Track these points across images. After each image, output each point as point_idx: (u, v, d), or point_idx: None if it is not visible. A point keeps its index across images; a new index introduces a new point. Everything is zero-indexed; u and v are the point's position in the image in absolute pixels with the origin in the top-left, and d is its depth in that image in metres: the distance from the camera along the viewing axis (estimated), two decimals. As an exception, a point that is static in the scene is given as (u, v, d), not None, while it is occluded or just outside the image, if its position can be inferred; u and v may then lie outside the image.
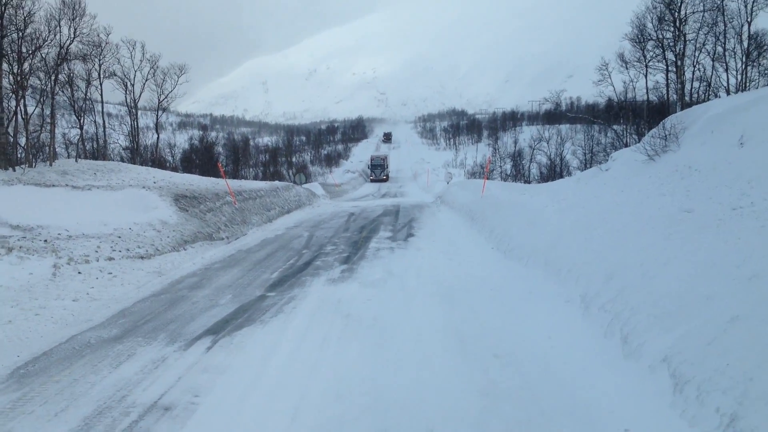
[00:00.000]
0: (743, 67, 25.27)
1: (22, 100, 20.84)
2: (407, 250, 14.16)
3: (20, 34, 20.06)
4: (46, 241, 11.55)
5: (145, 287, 10.66)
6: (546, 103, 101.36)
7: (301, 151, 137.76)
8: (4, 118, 19.74)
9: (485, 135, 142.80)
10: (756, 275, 5.61)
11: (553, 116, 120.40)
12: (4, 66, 19.81)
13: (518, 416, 5.09)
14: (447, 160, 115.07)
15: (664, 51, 29.09)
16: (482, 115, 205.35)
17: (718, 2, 25.70)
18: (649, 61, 30.94)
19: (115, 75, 31.86)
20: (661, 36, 29.02)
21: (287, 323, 8.08)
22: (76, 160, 23.56)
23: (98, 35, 27.36)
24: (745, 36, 25.28)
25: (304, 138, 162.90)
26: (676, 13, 27.36)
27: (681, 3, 27.06)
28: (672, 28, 27.97)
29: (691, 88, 28.39)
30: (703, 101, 23.80)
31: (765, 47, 25.68)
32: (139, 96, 34.40)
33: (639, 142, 15.87)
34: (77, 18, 23.26)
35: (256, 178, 65.58)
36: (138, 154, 36.17)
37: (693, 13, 27.21)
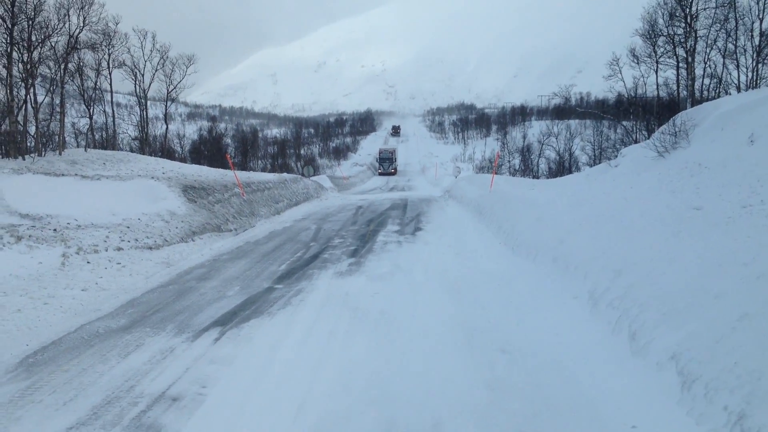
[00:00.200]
0: (754, 64, 25.03)
1: (31, 89, 20.91)
2: (415, 244, 14.16)
3: (30, 22, 20.09)
4: (55, 230, 11.61)
5: (154, 278, 10.73)
6: (555, 97, 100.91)
7: (309, 143, 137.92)
8: (14, 106, 19.81)
9: (494, 129, 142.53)
10: (765, 274, 5.57)
11: (562, 111, 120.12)
12: (14, 54, 19.86)
13: (525, 411, 5.09)
14: (455, 154, 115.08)
15: (674, 47, 28.86)
16: (491, 109, 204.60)
17: (730, -2, 25.47)
18: (659, 57, 30.69)
19: (125, 65, 31.88)
20: (671, 32, 28.79)
21: (294, 316, 8.11)
22: (86, 150, 23.61)
23: (107, 24, 27.42)
24: (756, 33, 25.02)
25: (312, 130, 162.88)
26: (687, 9, 27.12)
27: (692, -1, 26.84)
28: (683, 24, 27.71)
29: (702, 85, 28.11)
30: (714, 98, 23.58)
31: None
32: (149, 86, 34.37)
33: (649, 138, 15.79)
34: (86, 6, 23.24)
35: (264, 170, 65.59)
36: (147, 145, 36.17)
37: (704, 9, 26.90)
